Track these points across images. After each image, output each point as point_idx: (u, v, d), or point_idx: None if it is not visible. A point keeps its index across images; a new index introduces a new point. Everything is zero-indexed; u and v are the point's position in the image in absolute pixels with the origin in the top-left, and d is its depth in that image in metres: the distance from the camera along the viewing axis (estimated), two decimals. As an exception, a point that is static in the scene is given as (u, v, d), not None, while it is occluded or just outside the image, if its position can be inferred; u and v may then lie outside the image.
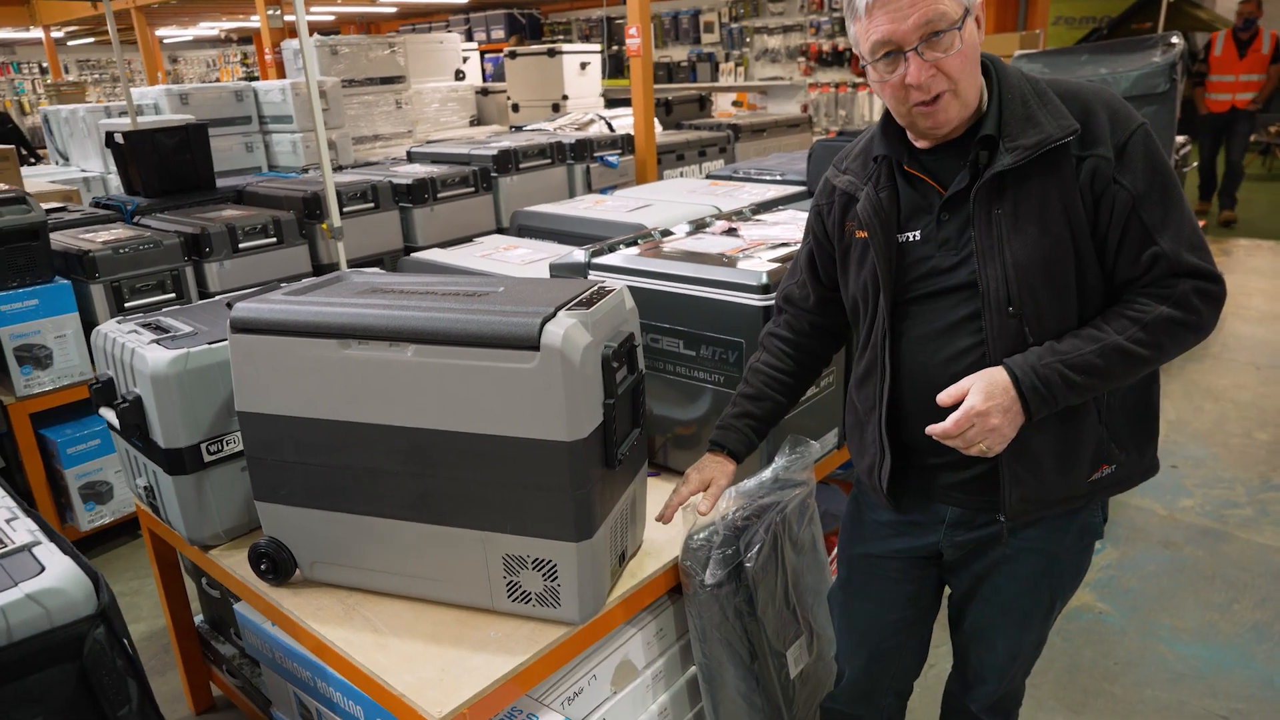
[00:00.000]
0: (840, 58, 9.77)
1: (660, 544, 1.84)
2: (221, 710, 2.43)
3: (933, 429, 1.33)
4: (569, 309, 1.47)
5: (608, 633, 1.69)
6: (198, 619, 2.39)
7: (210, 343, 1.81)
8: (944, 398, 1.33)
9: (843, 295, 1.59)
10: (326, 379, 1.54)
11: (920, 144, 1.41)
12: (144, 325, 1.95)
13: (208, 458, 1.82)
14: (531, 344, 1.40)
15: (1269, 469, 3.70)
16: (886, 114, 1.44)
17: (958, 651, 1.73)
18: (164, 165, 3.89)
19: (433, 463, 1.52)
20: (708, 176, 3.69)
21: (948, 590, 1.68)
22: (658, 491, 2.05)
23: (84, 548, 3.25)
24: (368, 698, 1.55)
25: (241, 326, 1.57)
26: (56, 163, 6.43)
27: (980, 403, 1.29)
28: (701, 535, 1.77)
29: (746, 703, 1.82)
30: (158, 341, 1.82)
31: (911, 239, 1.43)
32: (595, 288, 1.59)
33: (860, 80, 9.43)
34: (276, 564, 1.70)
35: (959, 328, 1.41)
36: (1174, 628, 2.72)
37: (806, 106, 9.84)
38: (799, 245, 2.13)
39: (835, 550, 1.81)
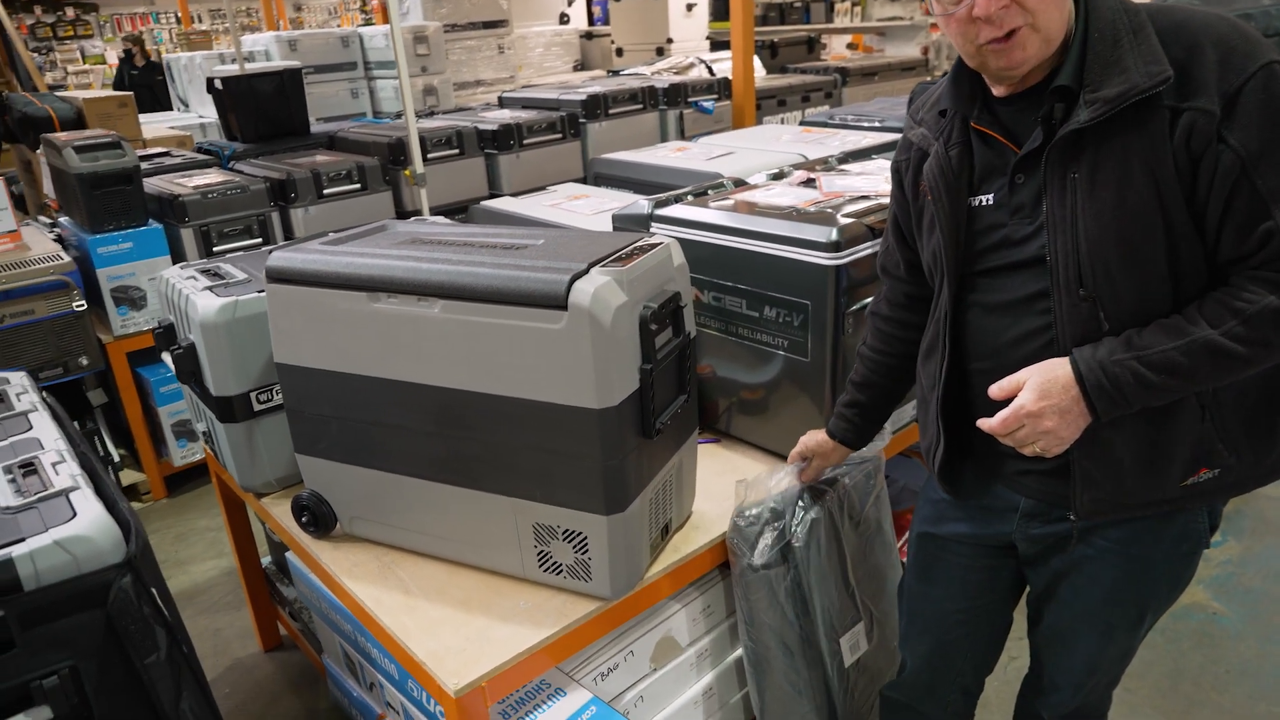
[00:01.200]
0: (967, -5, 9.09)
1: (711, 517, 1.73)
2: (288, 649, 2.49)
3: (983, 423, 1.17)
4: (604, 265, 1.36)
5: (646, 609, 1.60)
6: (265, 560, 2.45)
7: (260, 291, 1.78)
8: (995, 391, 1.17)
9: (919, 263, 1.42)
10: (358, 333, 1.48)
11: (998, 91, 1.21)
12: (202, 271, 1.95)
13: (258, 406, 1.81)
14: (559, 303, 1.30)
15: None
16: (959, 59, 1.24)
17: (1034, 653, 1.57)
18: (260, 111, 3.95)
19: (461, 425, 1.45)
20: (801, 123, 3.47)
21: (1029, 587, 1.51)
22: (715, 460, 1.94)
23: (178, 483, 3.40)
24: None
25: (277, 276, 1.53)
26: (178, 109, 6.70)
27: (1032, 401, 1.14)
28: (752, 512, 1.65)
29: (794, 690, 1.71)
30: (210, 289, 1.81)
31: (985, 203, 1.24)
32: (638, 242, 1.47)
33: (989, 19, 8.77)
34: (317, 517, 1.68)
35: (1028, 305, 1.22)
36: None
37: (927, 49, 9.25)
38: (880, 198, 1.96)
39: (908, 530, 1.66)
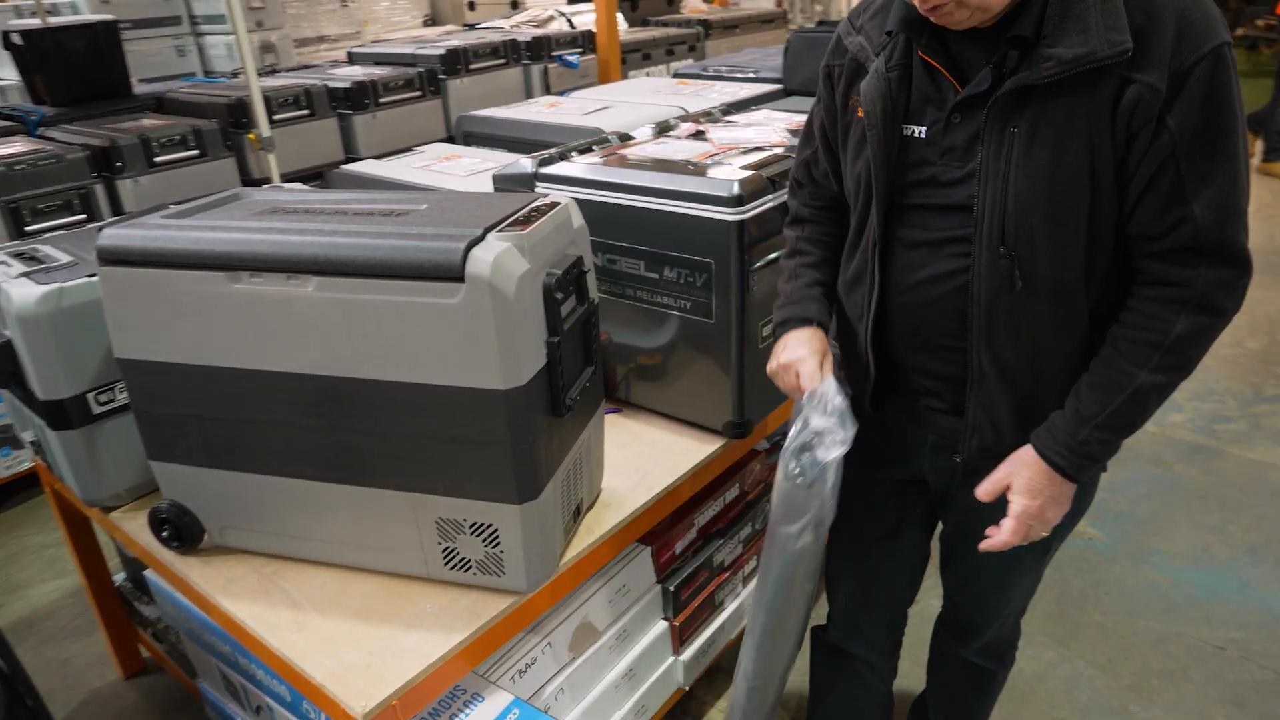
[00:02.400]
0: (816, -52, 9.20)
1: (621, 493, 1.64)
2: (154, 673, 2.25)
3: (995, 540, 1.25)
4: (501, 230, 1.22)
5: (562, 597, 1.50)
6: (118, 577, 2.18)
7: (91, 275, 1.54)
8: (983, 493, 1.25)
9: (842, 175, 1.36)
10: (216, 319, 1.29)
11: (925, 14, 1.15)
12: (15, 255, 1.67)
13: (97, 409, 1.57)
14: (455, 274, 1.16)
15: (1261, 379, 3.56)
16: None
17: (947, 592, 1.60)
18: (72, 70, 3.50)
19: (347, 416, 1.29)
20: (675, 75, 3.37)
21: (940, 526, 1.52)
22: (620, 431, 1.85)
23: (1, 497, 3.01)
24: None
25: (111, 257, 1.31)
26: (-31, 71, 5.90)
27: (1030, 504, 1.21)
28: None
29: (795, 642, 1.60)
30: (28, 275, 1.55)
31: (916, 134, 1.19)
32: (534, 204, 1.34)
33: (837, -27, 8.91)
34: (180, 530, 1.48)
35: (946, 247, 1.20)
36: (1166, 553, 2.60)
37: (781, 1, 9.32)
38: (774, 149, 1.89)
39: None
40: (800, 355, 1.34)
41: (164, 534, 1.49)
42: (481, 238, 1.19)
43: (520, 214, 1.29)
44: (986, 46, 1.11)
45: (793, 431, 1.34)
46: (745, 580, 2.05)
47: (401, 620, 1.34)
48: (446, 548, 1.36)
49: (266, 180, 3.17)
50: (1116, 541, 2.65)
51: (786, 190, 1.57)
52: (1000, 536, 1.23)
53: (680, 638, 1.84)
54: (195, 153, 3.10)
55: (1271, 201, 5.64)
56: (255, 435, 1.35)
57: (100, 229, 1.41)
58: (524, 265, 1.19)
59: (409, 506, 1.34)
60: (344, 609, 1.37)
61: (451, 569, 1.38)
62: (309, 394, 1.29)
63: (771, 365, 1.40)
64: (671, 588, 1.80)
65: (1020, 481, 1.20)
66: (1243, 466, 3.00)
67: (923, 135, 1.18)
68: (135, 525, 1.60)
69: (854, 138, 1.27)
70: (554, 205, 1.35)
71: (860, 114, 1.23)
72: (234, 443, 1.37)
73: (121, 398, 1.58)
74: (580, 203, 1.64)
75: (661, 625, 1.81)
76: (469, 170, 2.28)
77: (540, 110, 2.70)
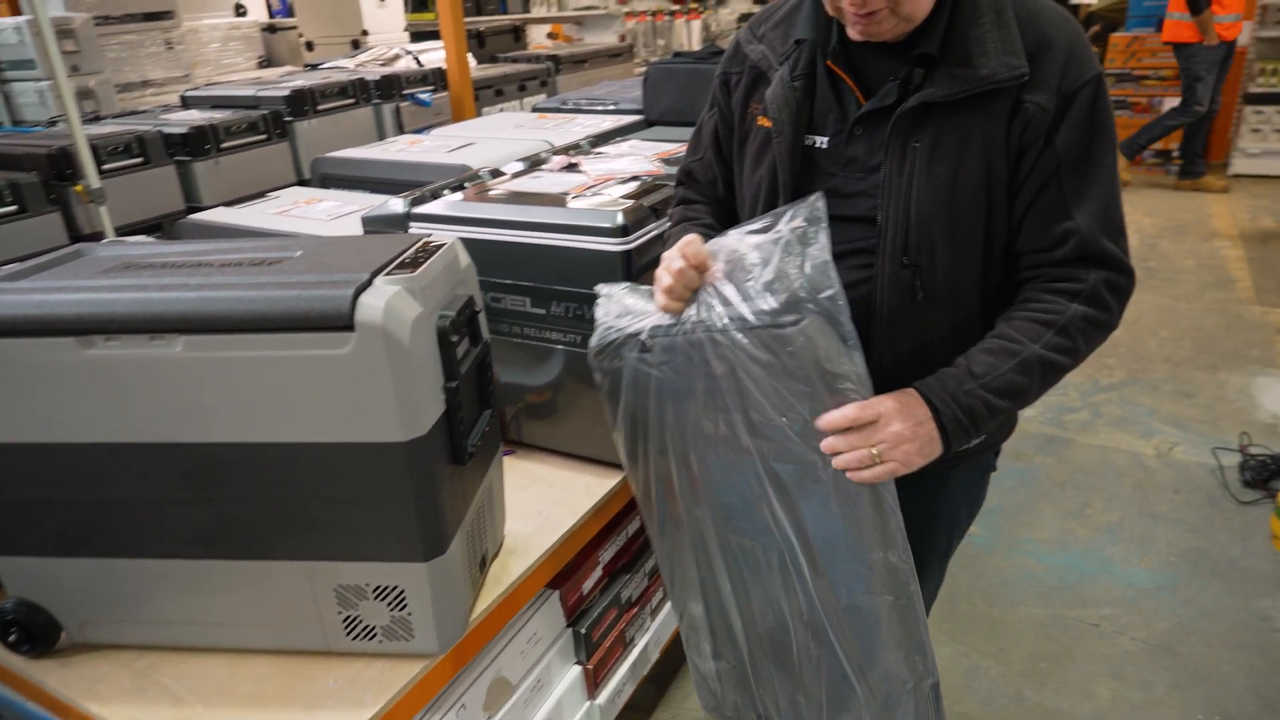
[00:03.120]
0: (655, -16, 9.47)
1: (524, 538, 1.58)
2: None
3: (831, 415, 1.11)
4: (389, 273, 1.16)
5: (475, 655, 1.42)
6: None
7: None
8: (824, 422, 1.11)
9: (735, 183, 1.36)
10: (67, 390, 1.15)
11: (853, 34, 1.18)
12: None
13: (-80, 502, 1.38)
14: (344, 322, 1.08)
15: (1095, 370, 3.87)
16: None
17: None
18: None
19: (229, 485, 1.18)
20: (534, 109, 3.36)
21: None
22: (515, 473, 1.79)
23: None
24: (175, 787, 1.22)
25: (-68, 329, 1.15)
26: None
27: (899, 423, 1.10)
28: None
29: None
30: None
31: (817, 144, 1.21)
32: (420, 244, 1.28)
33: (676, 9, 9.19)
34: (32, 631, 1.31)
35: (849, 258, 1.22)
36: (1036, 540, 2.76)
37: (624, 36, 9.52)
38: (649, 177, 1.90)
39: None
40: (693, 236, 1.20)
41: (11, 638, 1.31)
42: (369, 282, 1.12)
43: (407, 256, 1.22)
44: (890, 61, 1.15)
45: (719, 312, 1.15)
46: (653, 614, 2.02)
47: (301, 702, 1.23)
48: (348, 616, 1.27)
49: (99, 235, 2.91)
50: (992, 535, 2.79)
51: (669, 210, 1.57)
52: (841, 412, 1.11)
53: (595, 680, 1.79)
54: (14, 209, 2.81)
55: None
56: (121, 516, 1.21)
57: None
58: (417, 309, 1.13)
59: (304, 576, 1.23)
60: (234, 697, 1.25)
61: (354, 639, 1.28)
62: (182, 465, 1.17)
63: (664, 269, 1.21)
64: (582, 630, 1.75)
65: (894, 403, 1.12)
66: (1090, 452, 3.24)
67: (824, 146, 1.21)
68: (-26, 631, 1.40)
69: (754, 145, 1.28)
70: (440, 245, 1.29)
71: (762, 122, 1.24)
72: (95, 526, 1.23)
73: (-51, 487, 1.39)
74: (464, 241, 1.59)
75: (575, 670, 1.75)
76: (332, 214, 2.17)
77: (402, 149, 2.62)
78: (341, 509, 1.19)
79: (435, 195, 1.87)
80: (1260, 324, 4.19)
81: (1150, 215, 5.91)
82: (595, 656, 1.79)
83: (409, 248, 1.25)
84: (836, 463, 1.12)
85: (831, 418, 1.11)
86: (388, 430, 1.13)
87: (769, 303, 1.10)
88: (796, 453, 1.17)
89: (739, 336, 1.13)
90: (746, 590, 1.37)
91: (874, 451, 1.10)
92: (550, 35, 9.82)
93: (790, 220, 1.11)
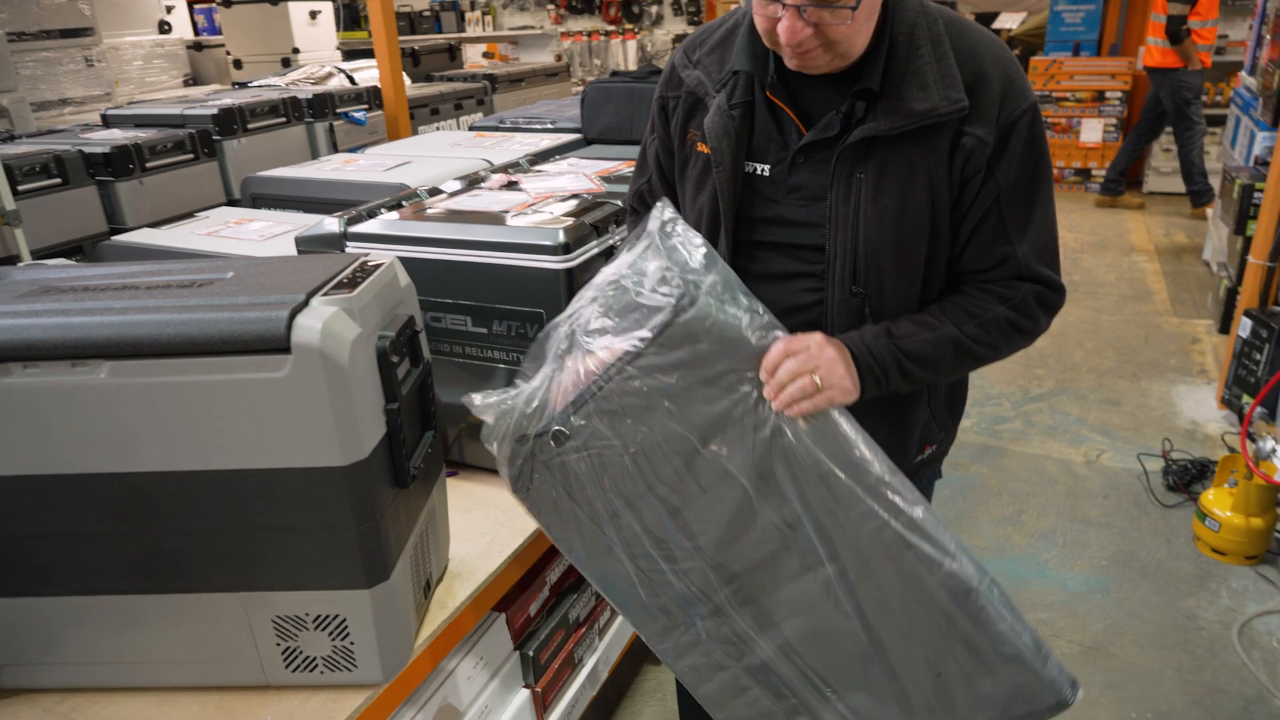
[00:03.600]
0: (590, 4, 9.53)
1: (470, 561, 1.55)
2: None
3: (764, 362, 1.10)
4: (326, 294, 1.13)
5: (420, 682, 1.39)
6: None
7: None
8: (764, 365, 1.11)
9: (680, 209, 1.36)
10: (-19, 421, 1.09)
11: (790, 64, 1.18)
12: None
13: None
14: (280, 344, 1.06)
15: (1026, 381, 3.98)
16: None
17: None
18: None
19: (159, 516, 1.14)
20: (471, 128, 3.34)
21: None
22: (459, 495, 1.76)
23: None
24: (102, 836, 1.16)
25: None
26: None
27: (819, 348, 1.12)
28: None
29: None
30: None
31: (760, 172, 1.22)
32: (357, 264, 1.25)
33: (612, 29, 9.26)
34: (-56, 676, 1.23)
35: (798, 281, 1.25)
36: (975, 547, 2.81)
37: (561, 56, 9.55)
38: (589, 195, 1.90)
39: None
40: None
41: (-79, 684, 1.24)
42: (306, 303, 1.09)
43: (344, 276, 1.20)
44: (829, 90, 1.17)
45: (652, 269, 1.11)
46: (601, 633, 2.00)
47: (240, 739, 1.19)
48: (287, 648, 1.22)
49: (15, 259, 2.80)
50: (931, 543, 2.84)
51: (621, 228, 1.59)
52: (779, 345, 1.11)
53: (544, 704, 1.76)
54: (-78, 232, 2.69)
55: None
56: (44, 551, 1.16)
57: None
58: (355, 329, 1.11)
59: (240, 608, 1.19)
60: (167, 738, 1.19)
61: (294, 671, 1.24)
62: (109, 496, 1.12)
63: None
64: (530, 652, 1.72)
65: (820, 336, 1.14)
66: (1023, 461, 3.33)
67: (766, 173, 1.22)
68: (-121, 679, 1.32)
69: (694, 171, 1.29)
70: (379, 265, 1.27)
71: (701, 148, 1.25)
72: (16, 564, 1.17)
73: None
74: (402, 260, 1.56)
75: (524, 694, 1.73)
76: (264, 234, 2.12)
77: (336, 168, 2.57)
78: (280, 537, 1.15)
79: (372, 214, 1.84)
80: (1176, 334, 4.38)
81: (1073, 231, 6.14)
82: (544, 679, 1.76)
83: (345, 267, 1.23)
84: (779, 401, 1.09)
85: (768, 358, 1.10)
86: (327, 455, 1.10)
87: (661, 300, 1.09)
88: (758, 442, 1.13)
89: (651, 356, 1.10)
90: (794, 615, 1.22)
91: (815, 379, 1.09)
92: (486, 55, 9.80)
93: (648, 229, 1.12)
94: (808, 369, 1.09)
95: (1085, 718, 2.15)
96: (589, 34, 9.49)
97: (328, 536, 1.15)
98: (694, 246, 1.10)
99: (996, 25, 7.69)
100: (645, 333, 1.11)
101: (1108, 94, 7.00)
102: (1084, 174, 7.16)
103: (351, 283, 1.18)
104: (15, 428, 1.09)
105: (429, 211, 1.81)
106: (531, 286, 1.62)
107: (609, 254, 1.61)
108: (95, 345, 1.07)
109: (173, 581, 1.18)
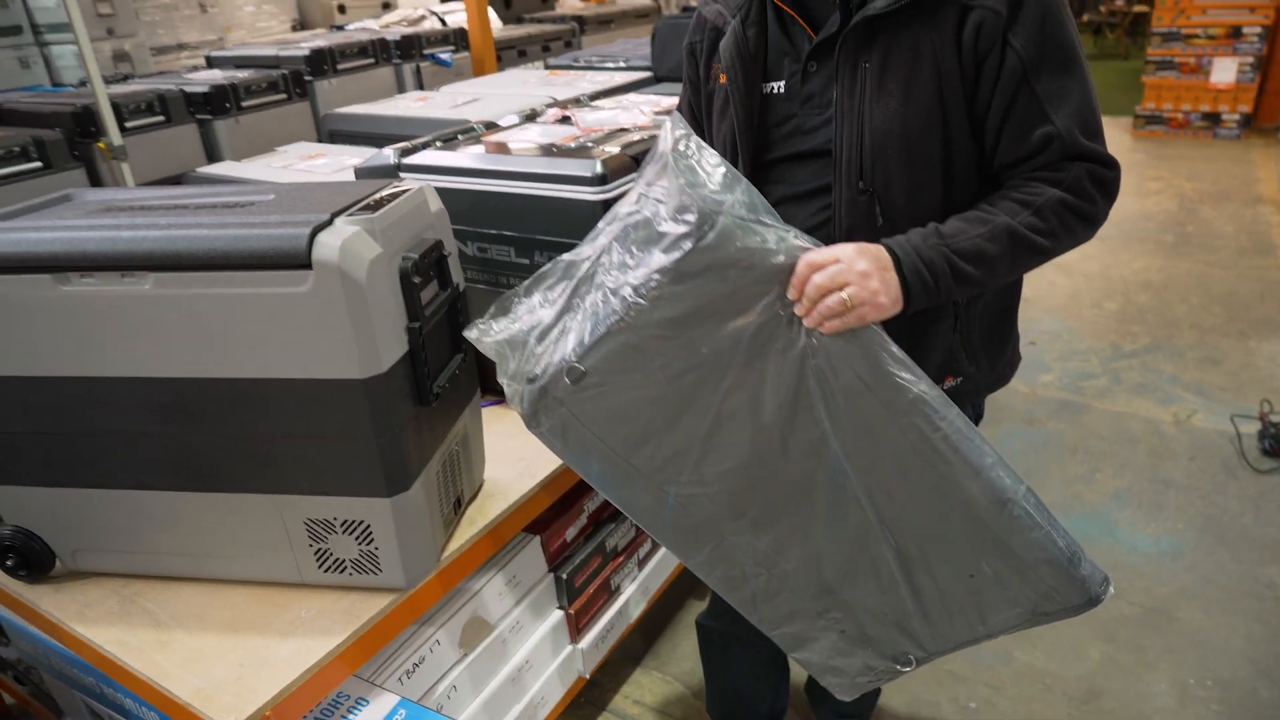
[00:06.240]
0: (689, -56, 9.31)
1: (505, 483, 1.61)
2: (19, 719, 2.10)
3: (792, 281, 1.04)
4: (350, 215, 1.18)
5: (447, 592, 1.46)
6: (-28, 619, 2.03)
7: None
8: (792, 283, 1.04)
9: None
10: (45, 325, 1.20)
11: None
12: None
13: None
14: (301, 260, 1.11)
15: (1119, 337, 3.79)
16: None
17: None
18: (-107, 83, 3.22)
19: (198, 420, 1.23)
20: (546, 66, 3.36)
21: None
22: (501, 422, 1.82)
23: None
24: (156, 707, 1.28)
25: (-79, 266, 1.21)
26: None
27: (850, 250, 1.05)
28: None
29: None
30: None
31: (776, 91, 1.21)
32: (385, 188, 1.30)
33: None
34: (28, 558, 1.37)
35: (813, 198, 1.23)
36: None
37: (658, -3, 9.40)
38: (640, 131, 1.90)
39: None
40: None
41: (9, 563, 1.38)
42: (329, 222, 1.15)
43: (370, 199, 1.25)
44: None
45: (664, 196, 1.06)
46: (641, 564, 2.05)
47: (274, 629, 1.29)
48: (318, 549, 1.31)
49: (121, 191, 2.99)
50: (996, 497, 2.76)
51: None
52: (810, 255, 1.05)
53: (577, 625, 1.83)
54: (39, 165, 2.90)
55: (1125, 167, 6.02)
56: (99, 448, 1.27)
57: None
58: (375, 249, 1.16)
59: (274, 510, 1.28)
60: (212, 623, 1.30)
61: (326, 571, 1.33)
62: (153, 399, 1.22)
63: None
64: (564, 575, 1.79)
65: (853, 247, 1.06)
66: (1105, 419, 3.18)
67: (781, 90, 1.21)
68: (-23, 557, 1.48)
69: (718, 104, 1.29)
70: (406, 190, 1.31)
71: (722, 79, 1.25)
72: (77, 458, 1.29)
73: (-48, 421, 1.46)
74: (448, 191, 1.61)
75: (557, 614, 1.80)
76: (333, 169, 2.21)
77: (408, 105, 2.64)
78: (306, 444, 1.22)
79: (426, 146, 1.90)
80: (1297, 291, 4.07)
81: (1192, 180, 5.72)
82: (578, 602, 1.83)
83: (373, 192, 1.28)
84: (810, 320, 1.04)
85: (795, 275, 1.03)
86: (347, 367, 1.16)
87: (682, 227, 1.03)
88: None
89: (672, 285, 1.05)
90: (822, 535, 1.23)
91: (844, 296, 1.02)
92: (583, -3, 9.72)
93: (661, 151, 1.06)
94: (836, 284, 1.03)
95: (1138, 681, 2.08)
96: (688, -26, 9.29)
97: (350, 446, 1.22)
98: (712, 166, 1.05)
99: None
100: (666, 263, 1.06)
101: (1244, 29, 6.44)
102: (1212, 118, 6.63)
103: (377, 205, 1.23)
104: (74, 332, 1.20)
105: (479, 144, 1.85)
106: (569, 218, 1.64)
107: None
108: (139, 258, 1.15)
109: (214, 481, 1.27)
